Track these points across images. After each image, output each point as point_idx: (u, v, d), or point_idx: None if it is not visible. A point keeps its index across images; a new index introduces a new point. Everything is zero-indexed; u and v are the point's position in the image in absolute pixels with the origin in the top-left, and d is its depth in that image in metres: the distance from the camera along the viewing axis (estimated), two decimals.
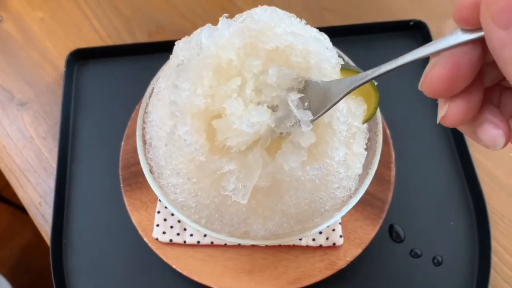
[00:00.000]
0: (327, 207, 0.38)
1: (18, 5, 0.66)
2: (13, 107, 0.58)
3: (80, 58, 0.60)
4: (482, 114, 0.24)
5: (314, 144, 0.34)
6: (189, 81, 0.32)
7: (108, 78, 0.60)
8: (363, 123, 0.40)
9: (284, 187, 0.35)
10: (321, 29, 0.62)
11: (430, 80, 0.23)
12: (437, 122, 0.25)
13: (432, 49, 0.23)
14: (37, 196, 0.53)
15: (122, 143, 0.51)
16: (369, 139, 0.43)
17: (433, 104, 0.57)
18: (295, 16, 0.38)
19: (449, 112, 0.24)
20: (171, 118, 0.34)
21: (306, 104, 0.34)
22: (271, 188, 0.35)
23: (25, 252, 1.01)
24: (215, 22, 0.37)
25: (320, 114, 0.32)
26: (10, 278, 0.98)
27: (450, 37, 0.22)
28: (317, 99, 0.33)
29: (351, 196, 0.40)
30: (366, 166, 0.41)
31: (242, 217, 0.37)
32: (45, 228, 0.51)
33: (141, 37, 0.63)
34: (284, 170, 0.34)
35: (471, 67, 0.22)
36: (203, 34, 0.33)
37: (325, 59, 0.35)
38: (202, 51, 0.32)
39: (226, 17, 0.35)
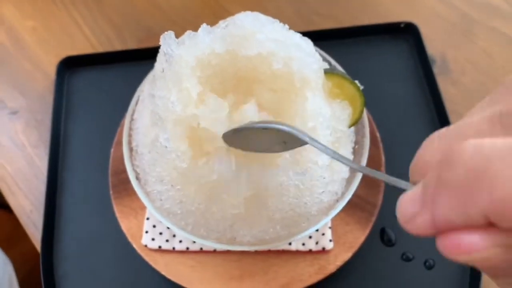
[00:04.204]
0: (313, 212, 0.38)
1: (9, 14, 0.66)
2: (4, 115, 0.59)
3: (71, 66, 0.60)
4: None
5: (297, 149, 0.34)
6: (163, 90, 0.32)
7: (99, 85, 0.60)
8: (349, 127, 0.40)
9: (268, 192, 0.35)
10: (311, 33, 0.62)
11: None
12: None
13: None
14: (29, 204, 0.53)
15: (112, 149, 0.51)
16: (356, 143, 0.43)
17: (425, 107, 0.57)
18: (278, 21, 0.38)
19: None
20: (153, 126, 0.34)
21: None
22: (255, 194, 0.35)
23: (27, 260, 1.01)
24: None
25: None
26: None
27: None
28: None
29: (338, 200, 0.40)
30: (354, 170, 0.41)
31: (227, 223, 0.37)
32: (36, 235, 0.51)
33: (132, 44, 0.63)
34: (267, 175, 0.34)
35: None
36: (172, 43, 0.33)
37: (307, 65, 0.35)
38: (173, 59, 0.32)
39: (207, 25, 0.36)
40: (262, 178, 0.34)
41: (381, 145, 0.51)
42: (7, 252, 1.01)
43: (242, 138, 0.32)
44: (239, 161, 0.34)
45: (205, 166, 0.33)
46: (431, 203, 0.18)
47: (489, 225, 0.16)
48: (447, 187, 0.17)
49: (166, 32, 0.34)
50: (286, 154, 0.34)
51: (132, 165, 0.40)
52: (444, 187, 0.17)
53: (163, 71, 0.34)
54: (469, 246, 0.17)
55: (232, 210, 0.35)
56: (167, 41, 0.34)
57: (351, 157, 0.40)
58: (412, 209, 0.19)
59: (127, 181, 0.48)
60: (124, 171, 0.49)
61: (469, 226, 0.17)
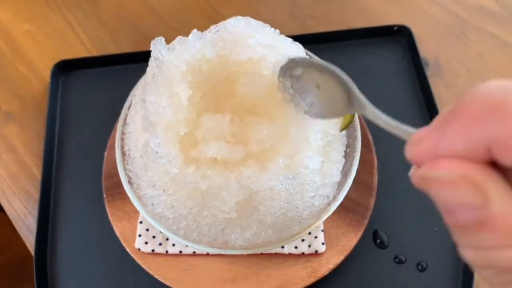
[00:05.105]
0: (304, 216, 0.38)
1: (4, 18, 0.66)
2: None
3: (66, 69, 0.60)
4: None
5: (289, 155, 0.35)
6: (155, 95, 0.32)
7: (93, 89, 0.60)
8: (341, 131, 0.40)
9: (259, 197, 0.35)
10: (305, 36, 0.62)
11: None
12: None
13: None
14: (22, 208, 0.53)
15: (105, 153, 0.51)
16: (348, 146, 0.43)
17: (418, 109, 0.58)
18: (269, 26, 0.39)
19: None
20: (145, 131, 0.34)
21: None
22: (246, 199, 0.35)
23: (26, 261, 1.01)
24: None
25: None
26: (10, 287, 0.98)
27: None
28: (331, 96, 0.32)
29: (329, 204, 0.40)
30: (346, 173, 0.41)
31: (219, 227, 0.37)
32: (30, 239, 0.51)
33: (126, 48, 0.64)
34: (259, 180, 0.34)
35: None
36: (162, 48, 0.33)
37: None
38: (163, 64, 0.33)
39: (198, 30, 0.36)
40: (252, 183, 0.34)
41: (373, 147, 0.51)
42: (5, 253, 1.01)
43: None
44: (229, 167, 0.34)
45: (195, 173, 0.33)
46: (442, 127, 0.17)
47: (486, 162, 0.16)
48: (462, 113, 0.16)
49: (156, 38, 0.34)
50: (279, 160, 0.34)
51: (125, 169, 0.41)
52: (460, 112, 0.17)
53: (154, 76, 0.35)
54: (441, 165, 0.17)
55: (224, 215, 0.35)
56: (157, 47, 0.34)
57: (342, 161, 0.40)
58: (423, 134, 0.19)
59: (120, 184, 0.48)
60: (117, 174, 0.49)
61: (465, 156, 0.16)
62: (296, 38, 0.40)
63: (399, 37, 0.62)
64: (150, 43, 0.65)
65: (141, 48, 0.63)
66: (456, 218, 0.17)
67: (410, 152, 0.19)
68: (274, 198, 0.35)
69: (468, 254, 0.18)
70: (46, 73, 0.61)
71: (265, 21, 0.39)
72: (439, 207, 0.18)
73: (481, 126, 0.16)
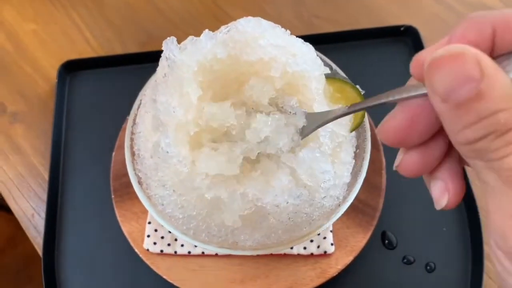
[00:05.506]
0: (314, 217, 0.38)
1: (10, 17, 0.66)
2: (5, 119, 0.59)
3: (72, 69, 0.60)
4: (439, 170, 0.24)
5: (291, 167, 0.34)
6: (165, 95, 0.32)
7: (100, 89, 0.60)
8: (351, 132, 0.40)
9: (265, 211, 0.35)
10: (312, 37, 0.62)
11: (385, 130, 0.23)
12: (393, 169, 0.25)
13: (393, 97, 0.23)
14: (30, 208, 0.53)
15: (113, 153, 0.51)
16: (357, 147, 0.43)
17: None
18: (280, 27, 0.38)
19: (402, 162, 0.24)
20: (155, 131, 0.34)
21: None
22: (253, 212, 0.35)
23: (28, 261, 1.01)
24: None
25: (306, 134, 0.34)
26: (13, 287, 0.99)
27: (410, 88, 0.22)
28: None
29: (339, 205, 0.40)
30: (355, 174, 0.41)
31: (229, 228, 0.37)
32: (38, 240, 0.51)
33: (132, 48, 0.63)
34: (264, 197, 0.34)
35: (428, 122, 0.21)
36: (174, 48, 0.33)
37: (308, 71, 0.35)
38: (175, 64, 0.32)
39: (210, 31, 0.36)
40: (258, 200, 0.34)
41: (382, 147, 0.51)
42: (8, 252, 1.01)
43: None
44: (239, 178, 0.34)
45: (203, 182, 0.33)
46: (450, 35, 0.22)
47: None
48: (470, 17, 0.21)
49: (168, 38, 0.34)
50: (282, 177, 0.34)
51: (134, 169, 0.40)
52: (465, 20, 0.21)
53: (165, 76, 0.34)
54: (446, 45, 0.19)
55: (230, 224, 0.34)
56: (169, 46, 0.34)
57: (351, 162, 0.40)
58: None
59: (129, 185, 0.48)
60: (125, 175, 0.49)
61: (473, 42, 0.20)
62: (302, 38, 0.40)
63: (406, 37, 0.62)
64: (155, 43, 0.65)
65: (147, 48, 0.63)
66: (457, 96, 0.18)
67: (418, 57, 0.22)
68: (281, 211, 0.35)
69: (467, 135, 0.19)
70: (52, 73, 0.61)
71: (271, 21, 0.39)
72: (441, 101, 0.19)
73: (488, 17, 0.20)
